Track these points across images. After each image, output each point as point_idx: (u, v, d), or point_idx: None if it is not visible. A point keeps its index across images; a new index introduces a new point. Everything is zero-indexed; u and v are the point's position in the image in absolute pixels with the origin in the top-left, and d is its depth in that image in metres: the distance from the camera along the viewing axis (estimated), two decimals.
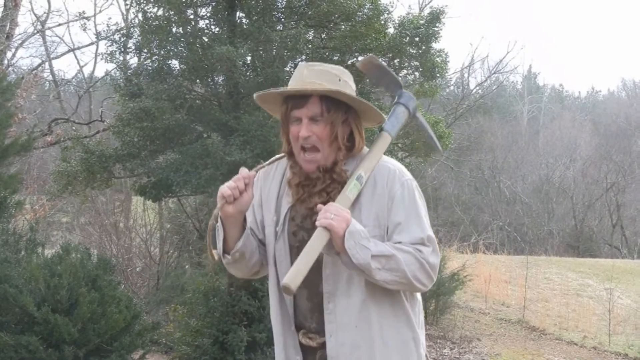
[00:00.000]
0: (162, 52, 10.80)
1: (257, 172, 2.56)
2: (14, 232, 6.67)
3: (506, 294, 15.28)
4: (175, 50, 10.65)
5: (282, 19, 10.86)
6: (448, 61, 11.42)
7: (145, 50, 11.19)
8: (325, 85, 2.48)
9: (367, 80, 10.20)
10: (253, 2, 10.48)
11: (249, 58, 10.49)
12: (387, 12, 10.84)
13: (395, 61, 11.46)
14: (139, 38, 10.92)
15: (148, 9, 10.83)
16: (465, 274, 13.18)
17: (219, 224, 2.48)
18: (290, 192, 2.56)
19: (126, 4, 18.10)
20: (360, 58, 2.51)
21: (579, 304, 14.86)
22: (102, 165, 10.47)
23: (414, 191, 2.54)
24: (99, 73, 37.21)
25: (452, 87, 30.55)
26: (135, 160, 10.64)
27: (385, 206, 2.48)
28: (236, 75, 9.67)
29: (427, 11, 12.69)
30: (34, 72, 17.53)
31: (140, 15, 11.02)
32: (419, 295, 2.67)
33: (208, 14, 11.20)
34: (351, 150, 2.56)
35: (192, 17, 11.16)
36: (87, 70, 23.64)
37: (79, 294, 5.80)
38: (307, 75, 2.50)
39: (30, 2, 29.06)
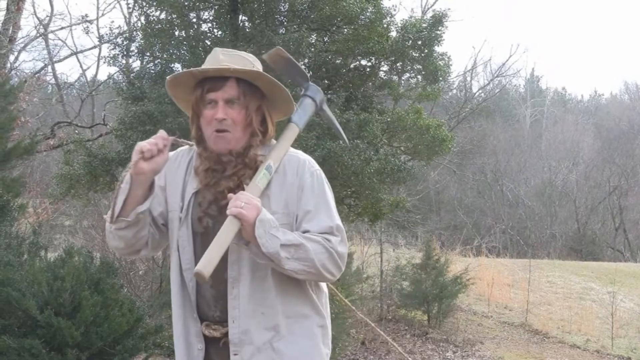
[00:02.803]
0: (165, 56, 10.82)
1: (173, 140, 2.50)
2: (17, 235, 6.67)
3: (509, 298, 15.27)
4: (178, 53, 10.66)
5: (285, 23, 10.86)
6: (451, 64, 11.45)
7: (148, 54, 11.22)
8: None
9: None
10: (256, 6, 10.49)
11: None
12: (390, 15, 10.86)
13: (398, 64, 11.48)
14: (142, 41, 10.95)
15: (151, 12, 10.86)
16: (468, 277, 13.17)
17: (126, 180, 2.42)
18: (196, 179, 2.53)
19: (129, 8, 18.18)
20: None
21: (581, 307, 14.84)
22: (105, 168, 10.48)
23: (323, 181, 2.55)
24: (102, 76, 37.33)
25: (454, 91, 30.56)
26: None
27: (295, 195, 2.48)
28: None
29: (429, 15, 12.72)
30: (36, 75, 17.60)
31: (142, 18, 11.07)
32: (324, 287, 2.66)
33: (211, 18, 11.22)
34: (264, 136, 2.54)
35: (194, 20, 11.18)
36: (89, 74, 23.64)
37: (82, 297, 5.79)
38: (222, 60, 2.51)
39: (33, 6, 29.31)
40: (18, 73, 17.83)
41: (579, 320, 13.83)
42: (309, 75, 2.86)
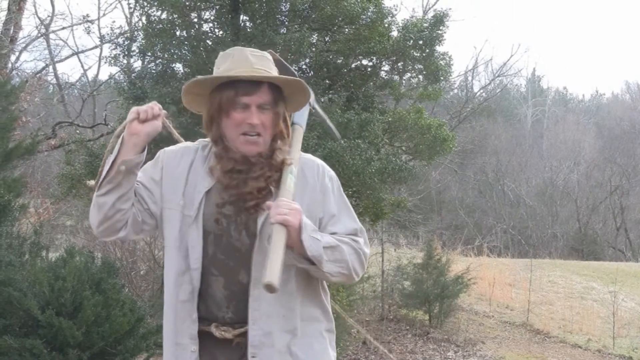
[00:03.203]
0: (166, 56, 10.82)
1: (166, 114, 2.50)
2: (18, 235, 6.67)
3: (510, 297, 15.27)
4: (179, 53, 10.67)
5: (286, 22, 10.86)
6: (452, 64, 11.46)
7: (149, 54, 11.21)
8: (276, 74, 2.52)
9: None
10: (257, 6, 10.49)
11: None
12: (391, 15, 10.86)
13: (399, 64, 11.47)
14: (143, 41, 10.95)
15: (152, 12, 10.86)
16: (469, 277, 13.15)
17: (118, 144, 2.42)
18: (207, 178, 2.50)
19: (130, 8, 18.18)
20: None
21: (583, 307, 14.83)
22: None
23: (340, 186, 2.62)
24: (103, 76, 37.29)
25: (456, 90, 30.59)
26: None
27: (317, 199, 2.52)
28: None
29: (430, 14, 12.72)
30: (37, 75, 17.61)
31: (144, 18, 11.07)
32: (327, 290, 2.68)
33: (212, 17, 11.23)
34: (289, 138, 2.56)
35: (195, 20, 11.18)
36: (91, 74, 23.64)
37: (83, 297, 5.79)
38: (254, 62, 2.48)
39: (34, 6, 29.22)
40: (19, 73, 17.85)
41: (580, 320, 13.82)
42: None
